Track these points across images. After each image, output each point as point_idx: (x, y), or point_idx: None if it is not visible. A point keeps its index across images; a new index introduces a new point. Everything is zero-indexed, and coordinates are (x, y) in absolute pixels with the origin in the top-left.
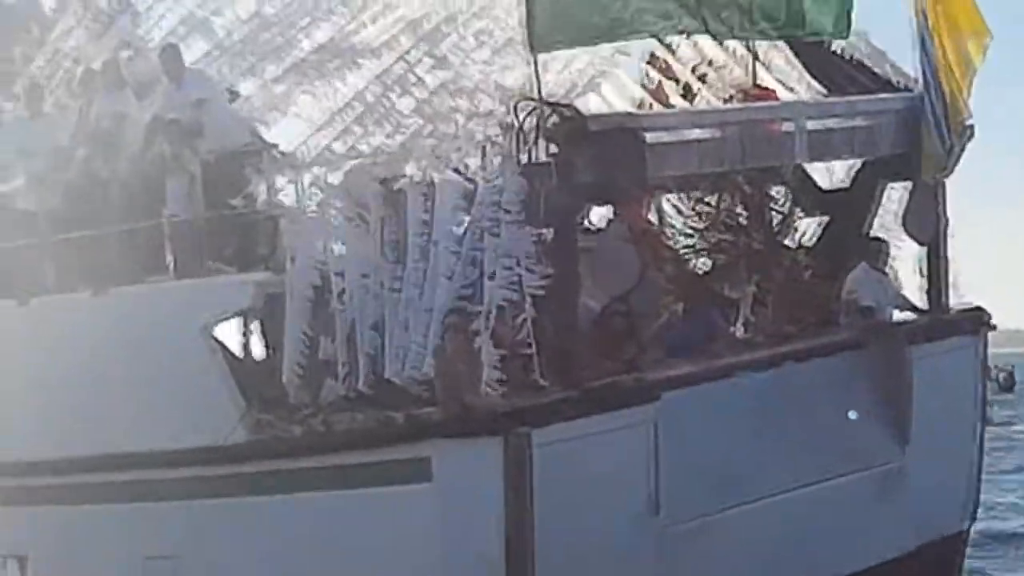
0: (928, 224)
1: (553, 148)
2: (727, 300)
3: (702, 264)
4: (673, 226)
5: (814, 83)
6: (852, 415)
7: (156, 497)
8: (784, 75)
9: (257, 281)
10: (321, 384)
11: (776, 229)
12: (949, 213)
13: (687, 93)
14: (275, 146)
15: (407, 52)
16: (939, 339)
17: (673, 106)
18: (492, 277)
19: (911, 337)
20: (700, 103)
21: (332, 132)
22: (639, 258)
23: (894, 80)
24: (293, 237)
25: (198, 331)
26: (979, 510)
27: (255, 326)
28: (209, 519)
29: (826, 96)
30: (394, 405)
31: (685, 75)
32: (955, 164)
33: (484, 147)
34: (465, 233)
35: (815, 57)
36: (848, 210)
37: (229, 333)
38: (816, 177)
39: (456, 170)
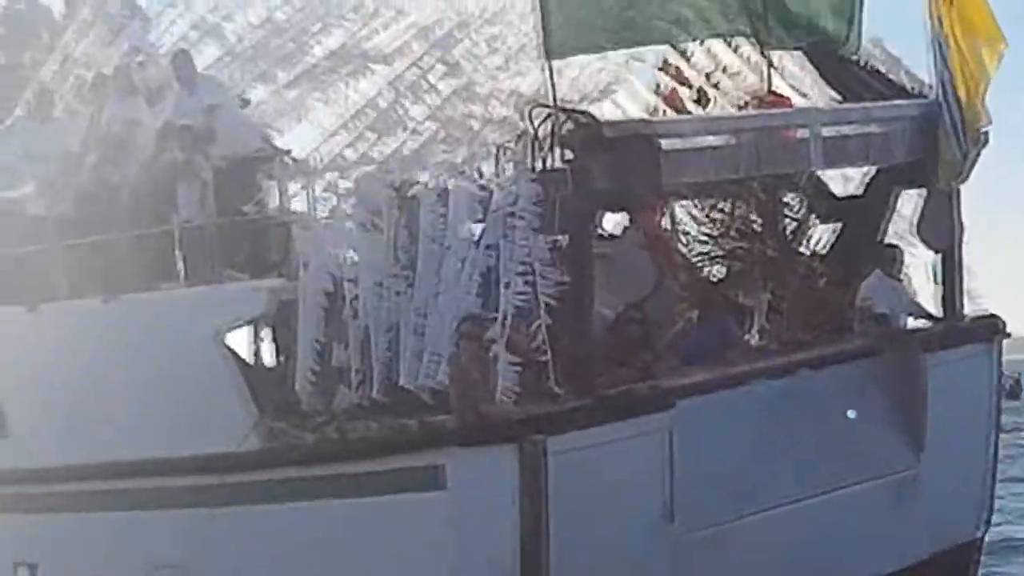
0: (943, 231)
1: (568, 154)
2: (742, 307)
3: (717, 271)
4: (688, 233)
5: (828, 89)
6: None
7: (167, 505)
8: (798, 81)
9: (269, 288)
10: (334, 392)
11: (790, 236)
12: (964, 220)
13: (701, 99)
14: (287, 152)
15: (419, 58)
16: (954, 347)
17: (688, 112)
18: (507, 285)
19: (926, 344)
20: (714, 110)
21: (344, 138)
22: (654, 265)
23: (909, 86)
24: (306, 244)
25: (210, 338)
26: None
27: (267, 333)
28: (221, 527)
29: (841, 103)
30: (408, 413)
31: (698, 81)
32: (970, 171)
33: (498, 154)
34: (479, 240)
35: (829, 63)
36: (862, 217)
37: (241, 340)
38: (831, 184)
39: (470, 177)
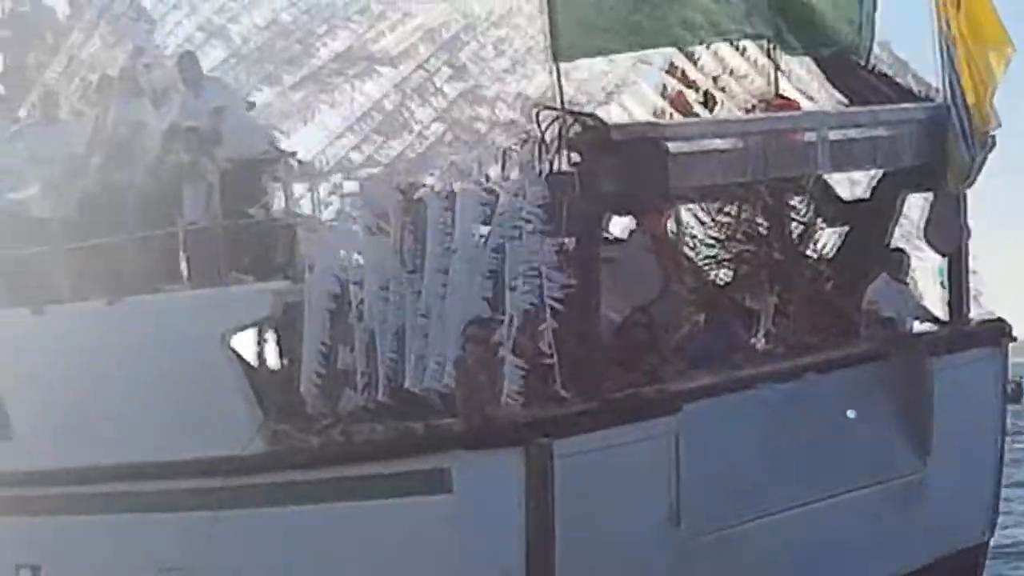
0: (949, 235)
1: (575, 157)
2: (748, 311)
3: (723, 275)
4: (694, 236)
5: (835, 93)
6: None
7: (171, 507)
8: (805, 85)
9: (275, 290)
10: (340, 394)
11: (797, 240)
12: (970, 223)
13: (707, 102)
14: (293, 154)
15: (426, 61)
16: (960, 350)
17: (697, 115)
18: (513, 288)
19: (932, 348)
20: (721, 112)
21: (350, 141)
22: (661, 269)
23: (916, 90)
24: (311, 246)
25: (215, 340)
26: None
27: (272, 335)
28: (225, 530)
29: (848, 106)
30: (414, 416)
31: (705, 84)
32: (977, 174)
33: (505, 156)
34: (486, 243)
35: (836, 66)
36: (869, 221)
37: (246, 343)
38: (837, 188)
39: (477, 180)
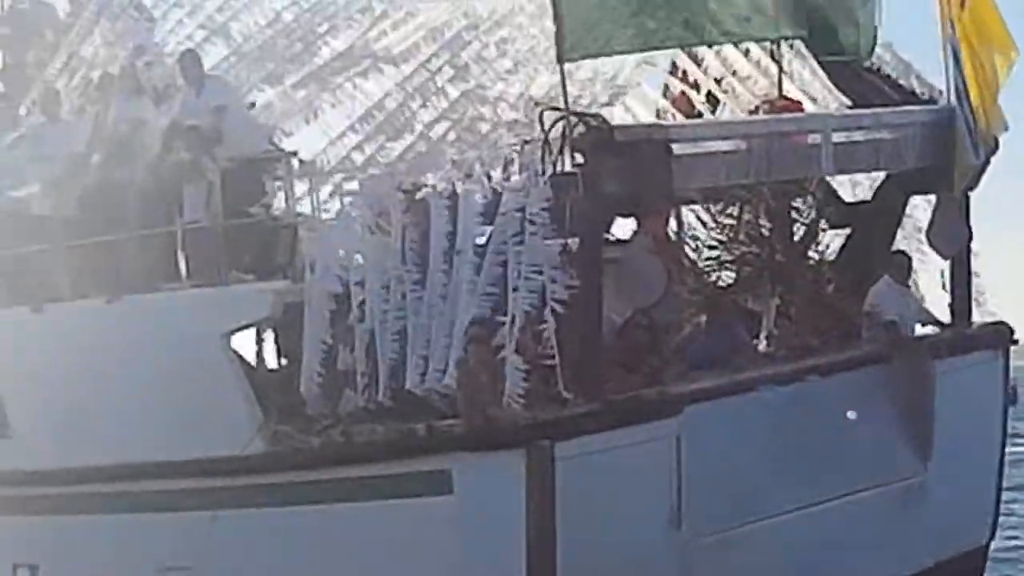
0: (952, 238)
1: (579, 158)
2: (750, 313)
3: (725, 276)
4: (697, 238)
5: (839, 95)
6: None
7: (171, 508)
8: (809, 86)
9: (276, 290)
10: (340, 395)
11: (800, 242)
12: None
13: (709, 102)
14: (294, 154)
15: (428, 60)
16: (962, 353)
17: (701, 114)
18: (516, 289)
19: (934, 351)
20: (724, 113)
21: (352, 140)
22: (664, 270)
23: (919, 92)
24: (313, 246)
25: (215, 340)
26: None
27: (272, 335)
28: (225, 530)
29: (851, 108)
30: (415, 417)
31: (708, 85)
32: (980, 177)
33: (509, 157)
34: (489, 243)
35: (840, 69)
36: (871, 223)
37: (246, 342)
38: (840, 190)
39: (480, 180)
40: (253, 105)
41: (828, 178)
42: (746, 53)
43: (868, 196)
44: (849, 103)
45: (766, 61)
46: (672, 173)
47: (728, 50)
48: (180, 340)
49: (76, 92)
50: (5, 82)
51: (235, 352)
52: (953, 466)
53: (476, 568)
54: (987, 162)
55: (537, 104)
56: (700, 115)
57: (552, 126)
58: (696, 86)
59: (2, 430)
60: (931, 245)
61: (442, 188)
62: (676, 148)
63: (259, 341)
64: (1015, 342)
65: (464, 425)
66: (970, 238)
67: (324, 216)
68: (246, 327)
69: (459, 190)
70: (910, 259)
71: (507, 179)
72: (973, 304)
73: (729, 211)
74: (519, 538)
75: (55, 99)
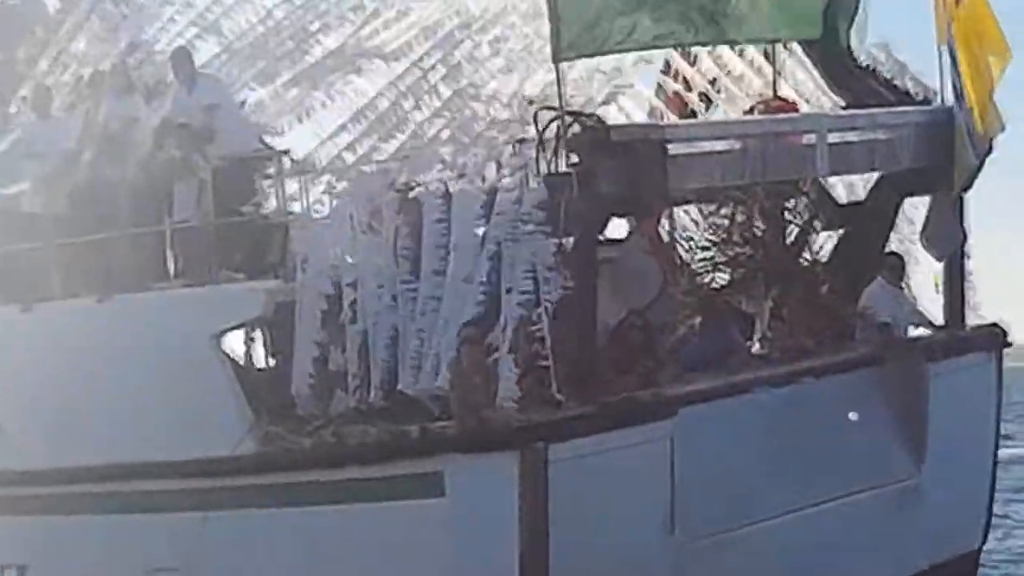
0: (947, 239)
1: (574, 158)
2: (744, 314)
3: (719, 278)
4: (691, 239)
5: (832, 95)
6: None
7: (160, 508)
8: (803, 87)
9: (267, 289)
10: (332, 395)
11: (794, 243)
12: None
13: (703, 101)
14: (286, 152)
15: (420, 59)
16: (956, 356)
17: (695, 114)
18: (510, 290)
19: (928, 353)
20: (717, 113)
21: (344, 139)
22: (660, 270)
23: (914, 92)
24: (304, 245)
25: (206, 339)
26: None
27: (263, 335)
28: (215, 531)
29: (846, 109)
30: (407, 418)
31: (702, 85)
32: (974, 178)
33: (503, 156)
34: (483, 244)
35: (835, 69)
36: (865, 224)
37: (237, 342)
38: (833, 191)
39: (473, 179)
40: (244, 103)
41: (822, 179)
42: (740, 53)
43: (862, 197)
44: (843, 103)
45: (760, 61)
46: (668, 173)
47: (723, 49)
48: (171, 340)
49: (67, 89)
50: None
51: (226, 352)
52: (947, 469)
53: (468, 571)
54: (982, 163)
55: (532, 103)
56: (694, 115)
57: (547, 125)
58: (690, 85)
59: None
60: (925, 246)
61: (435, 187)
62: (672, 148)
63: (248, 340)
64: (1009, 344)
65: (457, 427)
66: (965, 240)
67: (316, 215)
68: (237, 327)
69: (452, 189)
70: (904, 260)
71: (501, 179)
72: (967, 306)
73: (723, 212)
74: (512, 541)
75: (45, 96)
